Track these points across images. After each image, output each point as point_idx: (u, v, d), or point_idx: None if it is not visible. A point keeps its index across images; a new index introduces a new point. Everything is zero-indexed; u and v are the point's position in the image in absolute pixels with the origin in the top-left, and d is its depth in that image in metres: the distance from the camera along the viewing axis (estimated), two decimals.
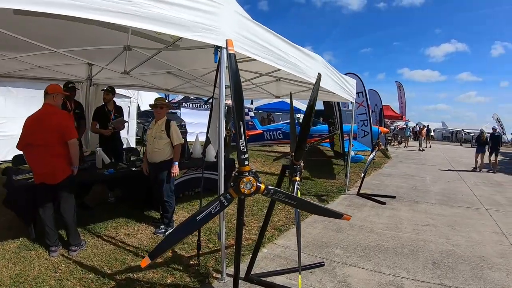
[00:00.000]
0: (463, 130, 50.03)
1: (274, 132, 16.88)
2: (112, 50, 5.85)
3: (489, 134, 17.29)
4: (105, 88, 7.59)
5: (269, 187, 3.05)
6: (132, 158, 7.46)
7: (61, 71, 7.58)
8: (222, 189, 4.10)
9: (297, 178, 3.79)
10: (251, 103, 26.53)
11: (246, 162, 2.86)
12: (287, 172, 3.98)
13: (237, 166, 3.87)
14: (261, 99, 27.13)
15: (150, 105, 6.40)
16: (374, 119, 20.14)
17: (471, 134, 41.76)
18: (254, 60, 4.59)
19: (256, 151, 18.85)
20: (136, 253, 5.19)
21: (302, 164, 3.84)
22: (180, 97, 24.14)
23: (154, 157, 5.99)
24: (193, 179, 7.95)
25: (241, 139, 2.72)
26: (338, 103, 13.29)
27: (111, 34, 4.77)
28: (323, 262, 5.16)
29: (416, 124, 42.36)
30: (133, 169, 6.76)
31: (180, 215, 7.04)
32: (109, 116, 7.55)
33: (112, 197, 7.54)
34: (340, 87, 8.22)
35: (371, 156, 10.27)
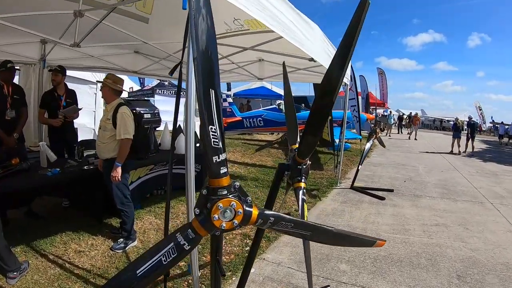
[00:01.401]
0: (443, 118, 50.71)
1: (255, 119, 15.71)
2: (63, 19, 4.78)
3: (466, 122, 20.82)
4: (53, 68, 6.25)
5: (266, 212, 1.67)
6: (87, 152, 6.01)
7: (10, 51, 6.40)
8: (191, 198, 2.88)
9: (302, 185, 2.40)
10: (229, 89, 25.39)
11: (223, 170, 1.51)
12: (285, 175, 2.57)
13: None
14: (241, 85, 25.87)
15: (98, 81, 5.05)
16: (363, 105, 19.29)
17: (451, 122, 42.02)
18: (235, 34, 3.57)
19: (235, 139, 17.86)
20: (87, 279, 4.04)
21: (309, 163, 2.45)
22: (155, 83, 22.80)
23: (100, 153, 4.79)
24: (162, 176, 6.75)
25: (213, 125, 1.35)
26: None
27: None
28: (329, 286, 4.14)
29: (410, 113, 41.55)
30: (85, 167, 5.39)
31: (146, 221, 5.78)
32: (59, 102, 6.22)
33: (67, 201, 6.19)
34: None
35: (368, 145, 9.19)
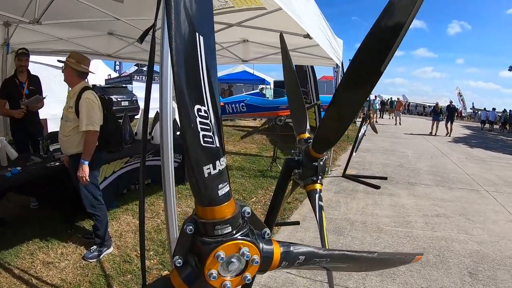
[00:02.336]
0: (425, 104, 51.42)
1: (237, 105, 15.10)
2: None
3: (446, 106, 22.48)
4: (19, 51, 5.45)
5: (293, 249, 1.04)
6: (54, 147, 5.24)
7: None
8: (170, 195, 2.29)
9: (319, 187, 1.86)
10: None
11: (224, 189, 0.87)
12: (294, 174, 1.99)
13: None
14: (222, 69, 25.25)
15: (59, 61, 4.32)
16: None
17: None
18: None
19: None
20: None
21: (325, 158, 1.88)
22: (133, 69, 21.97)
23: (63, 148, 4.09)
24: (138, 170, 5.89)
25: (203, 105, 0.82)
26: (312, 68, 11.60)
27: None
28: None
29: (391, 98, 41.29)
30: (50, 164, 4.65)
31: (123, 221, 5.12)
32: (21, 90, 5.47)
33: (35, 202, 5.47)
34: (330, 46, 6.49)
35: (362, 131, 8.69)
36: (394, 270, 4.12)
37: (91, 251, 4.14)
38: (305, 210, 5.96)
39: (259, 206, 6.19)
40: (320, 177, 1.76)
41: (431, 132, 20.54)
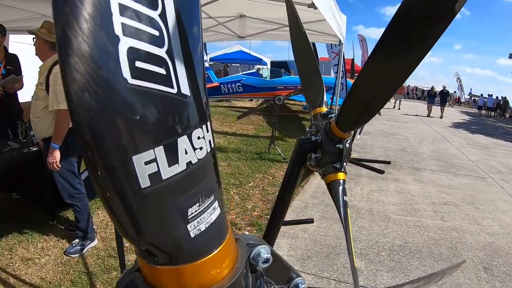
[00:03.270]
0: (423, 88, 51.76)
1: (233, 85, 14.67)
2: None
3: (439, 91, 24.18)
4: None
5: None
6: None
7: None
8: None
9: (342, 176, 1.41)
10: (205, 54, 24.30)
11: (209, 219, 0.55)
12: (309, 159, 1.56)
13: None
14: (218, 49, 24.94)
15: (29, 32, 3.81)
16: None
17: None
18: None
19: (212, 107, 16.71)
20: None
21: (350, 140, 1.42)
22: None
23: (35, 131, 3.68)
24: None
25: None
26: (314, 45, 11.18)
27: None
28: None
29: None
30: (29, 149, 4.24)
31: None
32: None
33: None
34: (335, 20, 6.07)
35: None
36: (407, 265, 3.85)
37: (73, 245, 3.76)
38: (307, 196, 5.65)
39: (257, 192, 5.82)
40: (345, 164, 1.33)
41: (428, 114, 22.30)
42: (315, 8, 4.77)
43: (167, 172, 0.45)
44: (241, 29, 7.93)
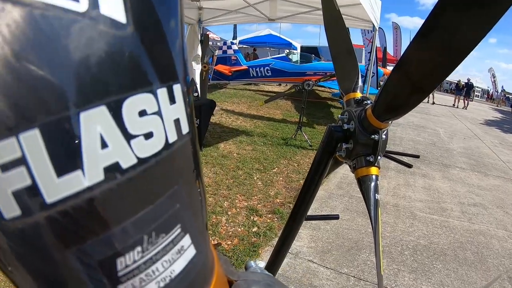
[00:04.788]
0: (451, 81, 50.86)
1: (262, 69, 14.59)
2: None
3: (465, 83, 24.90)
4: None
5: None
6: None
7: None
8: None
9: (375, 171, 1.28)
10: (234, 37, 24.16)
11: None
12: (340, 150, 1.43)
13: None
14: (247, 32, 24.76)
15: None
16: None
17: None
18: None
19: (240, 89, 16.68)
20: None
21: (388, 127, 1.29)
22: None
23: None
24: None
25: None
26: (347, 30, 10.97)
27: None
28: None
29: None
30: None
31: None
32: None
33: None
34: (370, 5, 5.86)
35: None
36: (430, 268, 3.68)
37: None
38: (332, 186, 5.50)
39: (281, 178, 5.71)
40: (379, 157, 1.21)
41: (453, 104, 24.27)
42: None
43: (55, 188, 0.21)
44: (272, 11, 7.82)
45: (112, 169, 0.23)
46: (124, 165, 0.24)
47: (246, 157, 6.49)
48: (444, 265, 3.75)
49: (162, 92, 0.26)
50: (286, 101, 13.61)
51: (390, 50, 33.64)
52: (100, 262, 0.24)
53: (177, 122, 0.27)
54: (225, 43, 15.46)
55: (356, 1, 5.23)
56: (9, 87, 0.18)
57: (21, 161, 0.20)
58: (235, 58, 14.86)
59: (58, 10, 0.19)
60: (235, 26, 24.54)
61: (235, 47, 15.61)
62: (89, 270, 0.24)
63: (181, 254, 0.30)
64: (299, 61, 14.86)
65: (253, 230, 3.98)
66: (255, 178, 5.62)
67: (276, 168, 6.12)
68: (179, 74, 0.28)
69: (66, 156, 0.21)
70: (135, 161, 0.25)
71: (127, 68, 0.23)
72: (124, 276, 0.26)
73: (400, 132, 10.97)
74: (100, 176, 0.23)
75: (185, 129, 0.29)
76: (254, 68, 14.64)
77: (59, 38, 0.20)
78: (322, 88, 15.20)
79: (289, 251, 2.82)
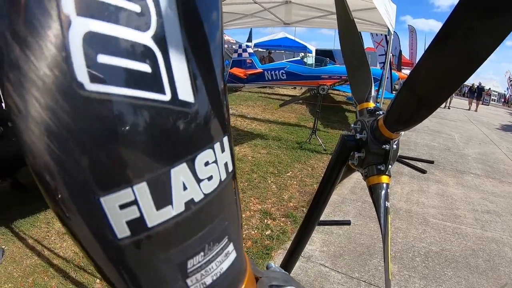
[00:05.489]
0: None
1: (277, 72, 14.64)
2: None
3: (476, 86, 26.13)
4: None
5: None
6: None
7: None
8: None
9: (386, 180, 1.35)
10: (250, 40, 24.22)
11: None
12: (352, 158, 1.49)
13: None
14: (263, 35, 24.79)
15: None
16: (396, 63, 17.99)
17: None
18: None
19: (255, 92, 16.76)
20: (66, 273, 3.25)
21: (399, 137, 1.34)
22: None
23: None
24: None
25: None
26: (360, 34, 10.92)
27: None
28: None
29: None
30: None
31: None
32: None
33: None
34: (385, 9, 5.88)
35: None
36: (441, 275, 3.70)
37: None
38: (345, 190, 5.55)
39: (295, 182, 5.77)
40: (390, 166, 1.28)
41: (469, 108, 24.93)
42: None
43: (154, 217, 0.32)
44: (287, 16, 7.88)
45: (189, 203, 0.35)
46: (196, 199, 0.36)
47: (261, 161, 6.57)
48: (455, 273, 3.76)
49: (217, 146, 0.38)
50: (301, 105, 13.64)
51: (405, 53, 33.36)
52: (178, 263, 0.37)
53: (226, 164, 0.40)
54: (240, 46, 15.52)
55: (371, 5, 5.25)
56: (129, 157, 0.30)
57: (134, 202, 0.31)
58: (250, 61, 14.91)
59: (155, 102, 0.30)
60: (250, 29, 24.62)
61: (250, 50, 15.64)
62: (170, 268, 0.37)
63: (227, 257, 0.42)
64: (314, 65, 14.87)
65: (266, 233, 4.06)
66: (269, 181, 5.70)
67: (290, 172, 6.18)
68: (226, 129, 0.39)
69: (162, 197, 0.33)
70: (202, 196, 0.37)
71: (196, 135, 0.35)
72: (192, 272, 0.38)
73: (415, 137, 10.92)
74: (182, 208, 0.35)
75: (230, 167, 0.41)
76: (269, 71, 14.68)
77: (157, 121, 0.31)
78: (337, 92, 15.20)
79: (302, 254, 2.90)
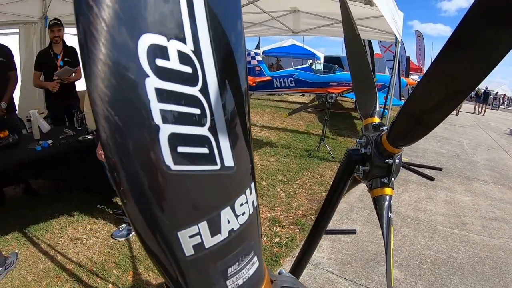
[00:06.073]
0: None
1: (285, 79, 14.69)
2: None
3: (482, 91, 27.33)
4: (51, 22, 5.25)
5: None
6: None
7: (9, 11, 5.69)
8: None
9: (389, 192, 1.44)
10: (258, 47, 24.29)
11: (249, 272, 0.61)
12: (357, 171, 1.57)
13: None
14: (271, 43, 24.85)
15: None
16: (403, 69, 17.91)
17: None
18: None
19: (264, 100, 16.85)
20: (79, 277, 3.34)
21: (402, 152, 1.42)
22: None
23: (88, 122, 4.00)
24: None
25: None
26: (370, 42, 10.92)
27: None
28: None
29: None
30: (84, 137, 4.40)
31: None
32: (56, 62, 5.26)
33: None
34: (392, 17, 5.92)
35: None
36: (447, 282, 3.73)
37: (120, 229, 4.02)
38: (353, 198, 5.61)
39: (304, 190, 5.84)
40: (393, 179, 1.35)
41: (474, 112, 26.04)
42: (372, 5, 4.70)
43: (209, 241, 0.49)
44: (295, 24, 7.91)
45: (231, 231, 0.53)
46: (235, 228, 0.53)
47: (270, 169, 6.65)
48: (462, 280, 3.79)
49: (248, 191, 0.56)
50: (310, 113, 13.70)
51: (413, 59, 33.23)
52: (222, 270, 0.54)
53: (253, 202, 0.57)
54: (249, 54, 15.59)
55: (378, 13, 5.28)
56: (196, 207, 0.48)
57: (198, 233, 0.48)
58: (259, 68, 14.97)
59: (211, 171, 0.47)
60: (258, 37, 24.73)
61: (259, 57, 15.70)
62: (217, 274, 0.54)
63: (253, 265, 0.59)
64: (322, 72, 14.92)
65: (275, 241, 4.13)
66: (278, 189, 5.78)
67: (299, 180, 6.26)
68: (253, 177, 0.57)
69: (215, 229, 0.50)
70: (238, 225, 0.54)
71: (235, 187, 0.53)
72: (230, 276, 0.55)
73: (423, 144, 10.88)
74: (226, 234, 0.52)
75: (255, 203, 0.59)
76: (278, 79, 14.73)
77: (213, 182, 0.48)
78: (346, 99, 15.24)
79: (310, 261, 2.97)
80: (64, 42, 5.38)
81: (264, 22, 7.77)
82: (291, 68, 16.25)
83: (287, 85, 14.63)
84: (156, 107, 0.36)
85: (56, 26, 5.10)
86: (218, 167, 0.46)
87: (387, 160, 1.28)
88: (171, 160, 0.39)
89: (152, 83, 0.36)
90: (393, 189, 1.34)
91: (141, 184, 0.39)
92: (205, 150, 0.43)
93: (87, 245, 3.83)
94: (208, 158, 0.44)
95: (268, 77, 14.76)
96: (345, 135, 10.37)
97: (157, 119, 0.37)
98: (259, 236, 0.60)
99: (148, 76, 0.36)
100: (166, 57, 0.37)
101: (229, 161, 0.47)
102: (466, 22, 0.62)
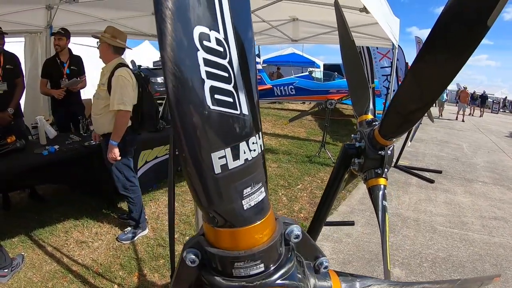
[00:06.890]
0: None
1: (286, 87, 14.73)
2: None
3: (480, 94, 28.66)
4: (55, 31, 5.45)
5: (358, 285, 0.84)
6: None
7: (15, 20, 5.80)
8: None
9: (383, 182, 1.47)
10: (258, 56, 24.43)
11: (257, 198, 0.68)
12: (353, 164, 1.66)
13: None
14: (271, 51, 24.89)
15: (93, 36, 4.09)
16: (402, 76, 17.97)
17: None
18: None
19: (265, 108, 16.94)
20: (85, 278, 3.41)
21: (393, 146, 1.51)
22: None
23: (95, 126, 3.95)
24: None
25: (217, 31, 0.58)
26: (368, 49, 11.00)
27: None
28: None
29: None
30: (90, 143, 4.53)
31: (162, 203, 5.03)
32: (62, 70, 5.42)
33: None
34: (387, 24, 6.00)
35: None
36: (446, 277, 3.81)
37: (125, 232, 4.08)
38: (354, 201, 5.68)
39: (305, 194, 5.93)
40: (386, 170, 1.46)
41: (470, 113, 26.58)
42: (367, 12, 4.80)
43: (231, 164, 0.62)
44: (294, 33, 8.02)
45: (246, 159, 0.65)
46: (249, 158, 0.65)
47: (272, 174, 6.73)
48: (462, 277, 3.80)
49: (257, 135, 0.69)
50: (310, 120, 13.79)
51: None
52: (240, 190, 0.64)
53: (260, 145, 0.70)
54: None
55: (373, 20, 5.33)
56: (223, 137, 0.62)
57: (224, 156, 0.62)
58: (260, 77, 14.93)
59: (235, 114, 0.63)
60: (258, 46, 24.82)
61: (259, 66, 15.82)
62: (236, 192, 0.64)
63: (261, 193, 0.68)
64: (322, 79, 15.00)
65: None
66: (280, 194, 5.86)
67: (301, 185, 6.34)
68: (260, 127, 0.70)
69: (235, 155, 0.63)
70: (251, 157, 0.66)
71: (249, 129, 0.65)
72: (245, 196, 0.65)
73: (423, 148, 10.99)
74: (243, 162, 0.64)
75: (262, 147, 0.71)
76: (278, 87, 14.77)
77: (235, 122, 0.63)
78: (346, 106, 15.31)
79: None
80: (70, 50, 5.54)
81: (264, 31, 7.85)
82: (291, 76, 16.31)
83: (287, 93, 14.67)
84: (203, 68, 0.55)
85: (57, 34, 5.28)
86: (238, 112, 0.62)
87: (380, 152, 1.40)
88: (210, 102, 0.57)
89: (201, 54, 0.55)
90: (387, 179, 1.45)
91: (191, 115, 0.56)
92: (230, 99, 0.61)
93: (92, 248, 3.90)
94: (232, 105, 0.61)
95: (268, 86, 14.82)
96: (345, 141, 10.26)
97: (204, 75, 0.56)
98: (265, 176, 0.71)
99: (199, 50, 0.54)
100: (208, 40, 0.56)
101: (245, 110, 0.64)
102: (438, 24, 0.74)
